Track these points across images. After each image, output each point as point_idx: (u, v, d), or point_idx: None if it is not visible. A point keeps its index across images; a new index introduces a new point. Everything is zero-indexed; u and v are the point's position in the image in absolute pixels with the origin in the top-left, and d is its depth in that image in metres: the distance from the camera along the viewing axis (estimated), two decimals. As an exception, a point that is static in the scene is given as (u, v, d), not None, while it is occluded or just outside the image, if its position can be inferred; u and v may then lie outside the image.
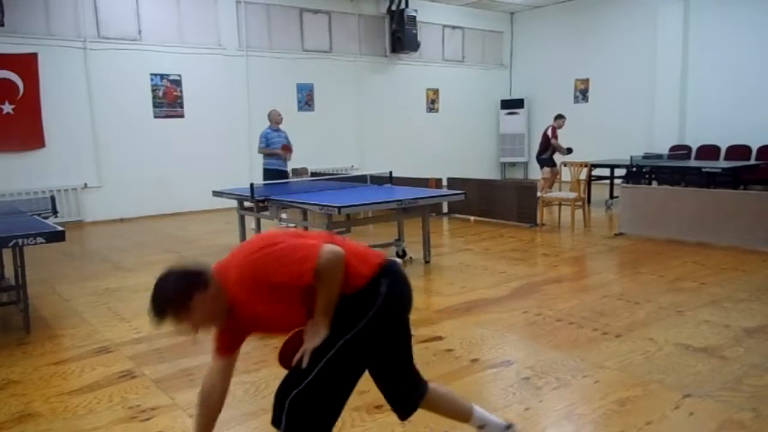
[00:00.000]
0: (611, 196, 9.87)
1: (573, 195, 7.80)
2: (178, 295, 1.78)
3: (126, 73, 9.63)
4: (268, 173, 8.11)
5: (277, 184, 7.50)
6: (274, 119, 8.39)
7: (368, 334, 1.88)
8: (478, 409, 2.23)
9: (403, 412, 2.12)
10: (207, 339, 3.99)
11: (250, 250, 1.88)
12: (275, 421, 1.88)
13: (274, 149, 8.23)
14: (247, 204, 6.50)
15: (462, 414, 2.23)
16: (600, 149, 11.78)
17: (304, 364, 1.85)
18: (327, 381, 1.85)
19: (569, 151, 10.09)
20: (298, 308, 1.88)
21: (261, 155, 8.39)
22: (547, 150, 10.27)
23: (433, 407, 2.19)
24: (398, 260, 2.07)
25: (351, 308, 1.88)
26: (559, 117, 10.35)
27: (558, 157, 10.09)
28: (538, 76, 14.64)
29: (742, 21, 11.00)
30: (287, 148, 8.31)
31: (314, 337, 1.86)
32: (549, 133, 10.20)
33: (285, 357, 1.93)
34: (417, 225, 6.18)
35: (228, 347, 2.06)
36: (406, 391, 2.11)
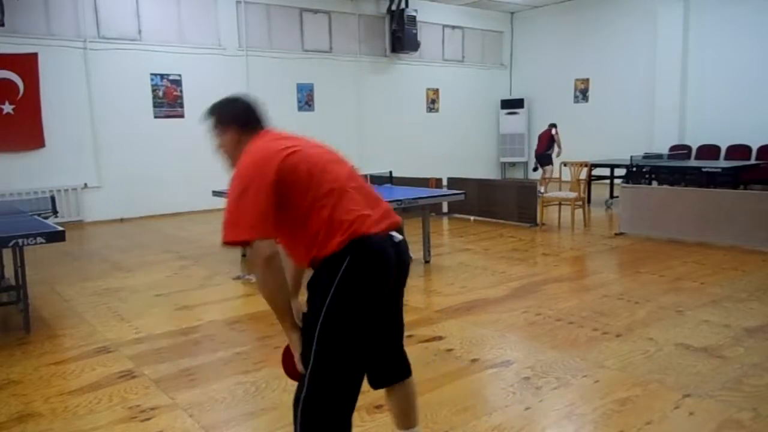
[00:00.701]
0: (611, 196, 9.89)
1: (573, 195, 7.80)
2: (224, 113, 2.03)
3: (126, 73, 9.63)
4: None
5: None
6: None
7: (335, 319, 1.77)
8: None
9: (373, 382, 2.07)
10: (207, 340, 4.01)
11: (258, 166, 1.80)
12: None
13: None
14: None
15: (404, 423, 2.14)
16: (600, 149, 11.80)
17: (300, 370, 1.86)
18: (325, 376, 1.80)
19: None
20: None
21: None
22: (551, 148, 11.02)
23: (393, 398, 2.12)
24: (396, 236, 1.90)
25: (315, 291, 1.82)
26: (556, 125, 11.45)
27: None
28: (538, 76, 14.64)
29: (742, 21, 11.01)
30: None
31: (291, 344, 1.86)
32: (554, 132, 11.11)
33: (289, 368, 1.95)
34: (417, 225, 6.18)
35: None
36: (382, 366, 2.06)
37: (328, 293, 1.77)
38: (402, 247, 1.91)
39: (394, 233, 1.89)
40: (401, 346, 2.10)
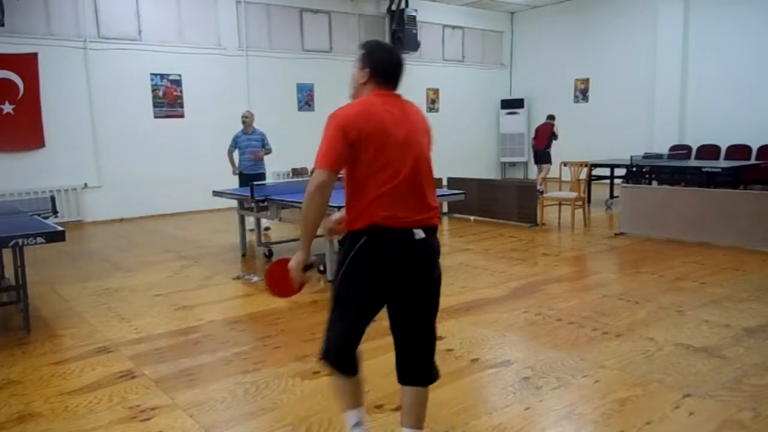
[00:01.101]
0: (611, 196, 9.88)
1: (573, 195, 7.80)
2: (372, 55, 2.19)
3: (126, 73, 9.63)
4: (241, 177, 7.75)
5: (279, 184, 7.47)
6: (243, 122, 7.85)
7: (347, 280, 2.14)
8: None
9: (399, 376, 2.28)
10: (207, 340, 4.01)
11: (346, 116, 2.07)
12: None
13: (235, 161, 7.89)
14: (247, 204, 6.50)
15: (409, 422, 2.29)
16: (600, 149, 11.80)
17: (293, 283, 2.20)
18: (335, 309, 2.21)
19: None
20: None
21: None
22: (551, 145, 10.90)
23: (406, 397, 2.28)
24: (418, 233, 2.15)
25: (341, 250, 2.18)
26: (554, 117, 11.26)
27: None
28: (538, 76, 14.64)
29: (742, 21, 11.00)
30: (254, 154, 7.77)
31: (296, 260, 2.16)
32: (556, 127, 11.07)
33: (274, 283, 2.30)
34: (417, 225, 6.17)
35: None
36: (409, 365, 2.25)
37: (346, 258, 2.13)
38: (422, 245, 2.17)
39: (416, 230, 2.13)
40: (431, 352, 2.30)
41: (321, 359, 2.24)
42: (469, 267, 5.75)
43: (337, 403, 2.42)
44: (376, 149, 2.03)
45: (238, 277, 5.59)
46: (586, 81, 13.69)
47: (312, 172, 2.08)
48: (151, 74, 9.91)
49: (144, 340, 3.90)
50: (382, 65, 2.18)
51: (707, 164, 8.87)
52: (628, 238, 6.93)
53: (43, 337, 4.02)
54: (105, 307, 4.70)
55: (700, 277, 5.10)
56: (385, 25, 12.78)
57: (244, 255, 6.59)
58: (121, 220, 9.71)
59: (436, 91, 13.90)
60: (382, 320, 4.29)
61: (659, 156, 10.19)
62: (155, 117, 9.99)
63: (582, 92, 13.81)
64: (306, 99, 11.76)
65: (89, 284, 5.49)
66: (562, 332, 3.80)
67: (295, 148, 11.41)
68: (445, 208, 9.11)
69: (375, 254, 2.08)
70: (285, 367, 3.32)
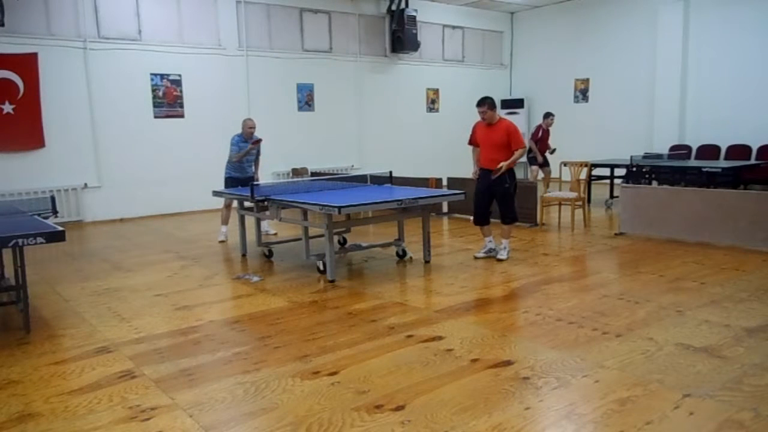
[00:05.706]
0: (611, 196, 9.88)
1: (573, 195, 7.80)
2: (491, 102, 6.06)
3: (126, 73, 9.63)
4: (231, 181, 7.37)
5: (278, 184, 7.45)
6: (249, 133, 7.29)
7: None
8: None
9: (502, 219, 5.95)
10: (207, 340, 4.00)
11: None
12: None
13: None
14: (247, 204, 6.50)
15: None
16: (600, 149, 11.80)
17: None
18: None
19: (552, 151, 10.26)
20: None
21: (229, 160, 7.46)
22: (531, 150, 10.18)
23: (503, 229, 6.02)
24: (486, 168, 5.91)
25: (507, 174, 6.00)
26: (548, 115, 10.27)
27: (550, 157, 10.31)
28: (538, 76, 14.64)
29: (742, 21, 11.00)
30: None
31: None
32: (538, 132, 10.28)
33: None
34: (417, 225, 6.18)
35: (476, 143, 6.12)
36: (501, 214, 5.93)
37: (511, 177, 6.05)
38: (486, 172, 5.91)
39: (485, 167, 5.90)
40: (507, 210, 5.96)
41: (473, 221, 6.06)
42: (469, 267, 5.76)
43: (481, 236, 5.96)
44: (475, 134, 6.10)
45: (238, 277, 5.59)
46: (586, 81, 13.69)
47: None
48: (151, 74, 9.90)
49: (144, 340, 3.90)
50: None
51: (707, 164, 8.87)
52: (628, 238, 6.93)
53: (43, 337, 4.02)
54: (105, 307, 4.70)
55: (700, 277, 5.10)
56: (385, 25, 12.78)
57: (244, 255, 6.59)
58: (121, 220, 9.71)
59: (436, 91, 13.90)
60: (381, 320, 4.30)
61: (659, 156, 10.18)
62: (155, 117, 9.98)
63: (582, 92, 13.81)
64: (306, 99, 11.75)
65: (89, 284, 5.49)
66: (562, 332, 3.81)
67: (295, 148, 11.42)
68: (444, 208, 9.10)
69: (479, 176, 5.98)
70: (285, 367, 3.33)
